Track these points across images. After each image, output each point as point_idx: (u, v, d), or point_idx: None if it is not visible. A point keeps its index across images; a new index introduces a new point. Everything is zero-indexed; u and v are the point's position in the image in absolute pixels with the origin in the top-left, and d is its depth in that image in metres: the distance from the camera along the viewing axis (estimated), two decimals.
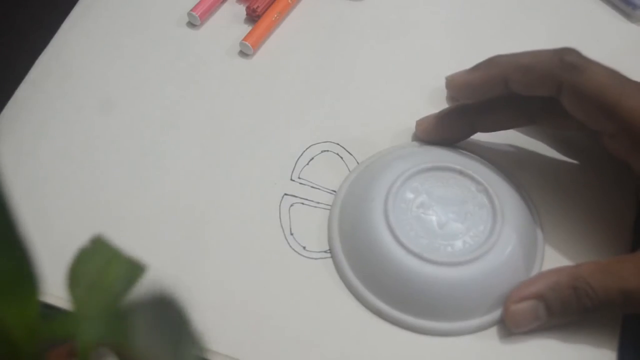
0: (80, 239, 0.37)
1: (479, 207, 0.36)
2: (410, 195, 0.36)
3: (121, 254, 0.21)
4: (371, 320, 0.35)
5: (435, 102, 0.42)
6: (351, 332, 0.35)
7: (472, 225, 0.35)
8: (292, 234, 0.38)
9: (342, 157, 0.40)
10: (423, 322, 0.34)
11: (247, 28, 0.45)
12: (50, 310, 0.33)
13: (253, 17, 0.45)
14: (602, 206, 0.38)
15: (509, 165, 0.39)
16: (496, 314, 0.35)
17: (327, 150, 0.40)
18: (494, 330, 0.35)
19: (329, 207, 0.38)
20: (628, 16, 0.45)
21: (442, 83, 0.42)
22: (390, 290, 0.35)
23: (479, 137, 0.40)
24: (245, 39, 0.44)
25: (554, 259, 0.36)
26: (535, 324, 0.33)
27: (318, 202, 0.39)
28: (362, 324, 0.35)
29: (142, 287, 0.17)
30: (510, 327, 0.34)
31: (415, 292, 0.34)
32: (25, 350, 0.18)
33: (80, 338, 0.15)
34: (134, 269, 0.21)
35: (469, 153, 0.39)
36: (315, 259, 0.37)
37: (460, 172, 0.37)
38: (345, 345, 0.35)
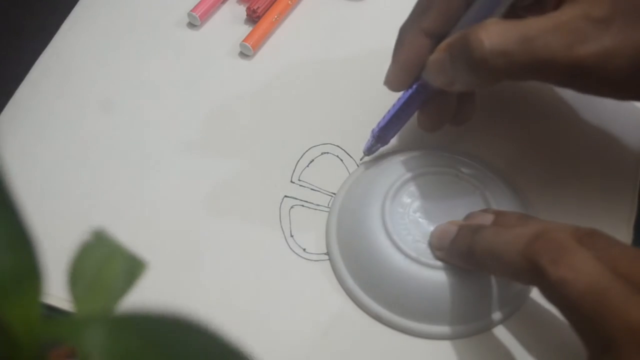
0: (81, 239, 0.37)
1: (475, 209, 0.36)
2: (407, 200, 0.36)
3: (122, 250, 0.21)
4: (369, 323, 0.35)
5: None
6: (349, 335, 0.35)
7: None
8: (292, 236, 0.38)
9: (342, 160, 0.40)
10: (421, 325, 0.34)
11: (247, 29, 0.45)
12: (52, 311, 0.33)
13: (253, 18, 0.45)
14: (601, 206, 0.38)
15: (505, 167, 0.39)
16: (494, 316, 0.35)
17: (327, 152, 0.40)
18: (492, 333, 0.35)
19: (328, 210, 0.38)
20: None
21: None
22: (387, 293, 0.35)
23: (478, 137, 0.40)
24: (245, 39, 0.44)
25: None
26: (442, 75, 0.33)
27: (318, 205, 0.39)
28: (360, 327, 0.35)
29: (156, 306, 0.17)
30: (425, 76, 0.35)
31: (412, 296, 0.34)
32: (26, 350, 0.18)
33: (81, 349, 0.15)
34: (135, 266, 0.21)
35: (465, 156, 0.39)
36: (315, 261, 0.37)
37: (457, 176, 0.37)
38: (343, 348, 0.35)
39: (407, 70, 0.35)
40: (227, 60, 0.44)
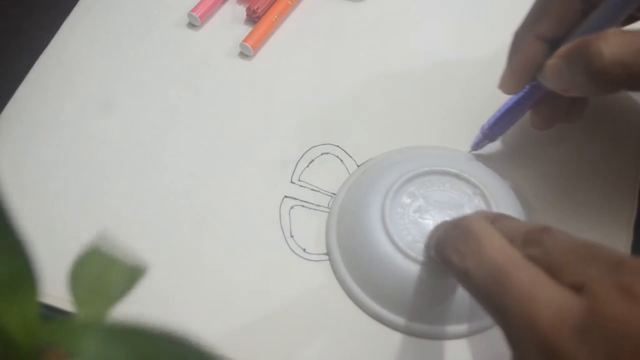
0: (80, 239, 0.37)
1: (475, 210, 0.36)
2: (407, 200, 0.36)
3: (123, 254, 0.21)
4: (369, 323, 0.35)
5: (435, 103, 0.42)
6: (348, 335, 0.35)
7: None
8: (292, 236, 0.38)
9: (341, 160, 0.40)
10: (420, 325, 0.34)
11: (247, 29, 0.45)
12: (50, 311, 0.33)
13: (253, 18, 0.45)
14: (601, 207, 0.38)
15: (505, 167, 0.39)
16: None
17: (327, 153, 0.40)
18: (492, 333, 0.35)
19: (328, 210, 0.38)
20: None
21: (443, 84, 0.42)
22: (387, 293, 0.35)
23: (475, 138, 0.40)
24: (245, 40, 0.44)
25: None
26: (558, 81, 0.33)
27: (318, 205, 0.39)
28: (360, 327, 0.35)
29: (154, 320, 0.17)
30: (540, 79, 0.35)
31: (412, 296, 0.34)
32: (24, 350, 0.18)
33: (75, 353, 0.15)
34: (135, 269, 0.21)
35: (465, 156, 0.39)
36: (315, 261, 0.37)
37: (457, 176, 0.37)
38: (343, 348, 0.34)
39: (521, 74, 0.35)
40: (227, 60, 0.44)
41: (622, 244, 0.37)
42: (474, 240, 0.26)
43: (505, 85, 0.36)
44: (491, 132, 0.38)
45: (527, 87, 0.36)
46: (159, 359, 0.16)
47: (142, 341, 0.16)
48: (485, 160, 0.39)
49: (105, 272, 0.20)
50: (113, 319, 0.19)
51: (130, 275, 0.21)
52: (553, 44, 0.34)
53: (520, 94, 0.36)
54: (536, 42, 0.34)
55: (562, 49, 0.32)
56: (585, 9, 0.33)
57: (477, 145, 0.39)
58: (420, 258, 0.34)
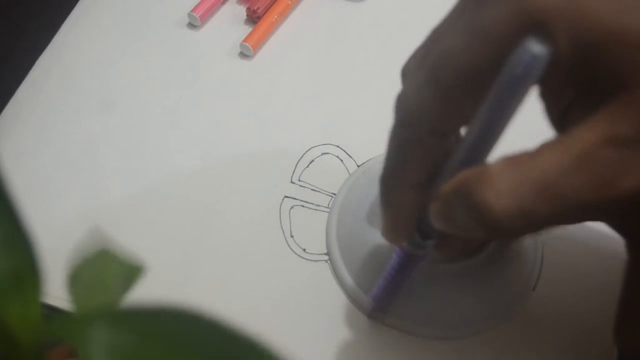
0: (80, 239, 0.37)
1: None
2: None
3: (121, 253, 0.21)
4: (369, 324, 0.35)
5: None
6: (349, 335, 0.35)
7: None
8: (292, 236, 0.38)
9: (342, 160, 0.40)
10: (421, 325, 0.34)
11: (247, 29, 0.45)
12: (51, 311, 0.33)
13: (253, 18, 0.46)
14: None
15: None
16: (496, 316, 0.35)
17: (327, 153, 0.40)
18: (492, 335, 0.35)
19: (328, 210, 0.38)
20: None
21: None
22: None
23: None
24: (245, 40, 0.44)
25: (553, 261, 0.36)
26: (450, 227, 0.26)
27: (318, 205, 0.39)
28: (360, 327, 0.35)
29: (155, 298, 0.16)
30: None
31: (413, 297, 0.34)
32: (26, 349, 0.18)
33: (82, 347, 0.15)
34: (133, 269, 0.21)
35: None
36: (316, 261, 0.37)
37: None
38: (342, 348, 0.34)
39: (404, 227, 0.30)
40: (227, 60, 0.44)
41: (623, 245, 0.37)
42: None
43: (390, 238, 0.31)
44: (382, 304, 0.34)
45: (398, 251, 0.31)
46: (174, 338, 0.16)
47: (153, 322, 0.16)
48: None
49: (105, 271, 0.20)
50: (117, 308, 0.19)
51: (129, 274, 0.21)
52: (427, 185, 0.27)
53: (396, 258, 0.31)
54: (410, 192, 0.28)
55: (442, 191, 0.25)
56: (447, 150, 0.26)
57: (374, 314, 0.35)
58: None
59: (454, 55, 0.24)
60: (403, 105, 0.26)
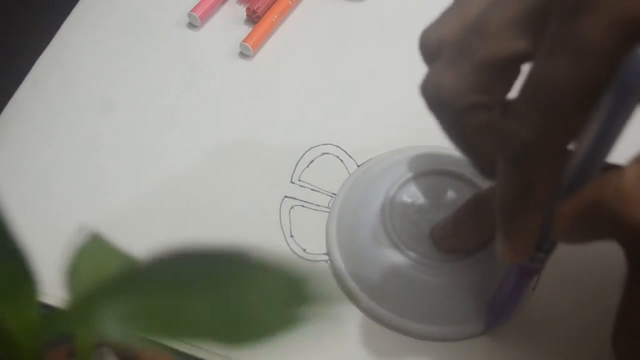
0: (76, 240, 0.37)
1: None
2: (407, 200, 0.36)
3: (118, 252, 0.21)
4: (369, 324, 0.35)
5: None
6: (348, 336, 0.35)
7: None
8: (292, 236, 0.38)
9: (342, 160, 0.40)
10: (421, 326, 0.34)
11: (247, 29, 0.45)
12: (50, 310, 0.33)
13: (253, 18, 0.45)
14: None
15: None
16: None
17: (327, 153, 0.40)
18: (493, 335, 0.35)
19: (328, 210, 0.38)
20: None
21: None
22: (387, 294, 0.35)
23: None
24: (245, 40, 0.44)
25: (552, 262, 0.36)
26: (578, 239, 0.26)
27: (318, 205, 0.39)
28: (360, 327, 0.35)
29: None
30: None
31: (412, 296, 0.34)
32: (25, 350, 0.18)
33: (80, 334, 0.15)
34: (126, 259, 0.21)
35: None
36: (316, 261, 0.37)
37: (459, 177, 0.37)
38: (342, 348, 0.34)
39: (527, 251, 0.28)
40: (227, 60, 0.44)
41: None
42: None
43: (511, 261, 0.29)
44: (502, 319, 0.34)
45: (516, 269, 0.30)
46: (171, 282, 0.15)
47: (149, 277, 0.16)
48: None
49: (102, 267, 0.20)
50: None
51: (123, 263, 0.21)
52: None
53: (513, 275, 0.31)
54: (537, 216, 0.26)
55: (569, 209, 0.24)
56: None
57: (491, 328, 0.34)
58: (422, 259, 0.34)
59: (557, 80, 0.23)
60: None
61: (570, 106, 0.23)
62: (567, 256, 0.37)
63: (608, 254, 0.37)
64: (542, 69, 0.23)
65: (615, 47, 0.21)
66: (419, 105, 0.42)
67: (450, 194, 0.36)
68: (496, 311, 0.33)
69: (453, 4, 0.27)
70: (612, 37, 0.21)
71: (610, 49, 0.21)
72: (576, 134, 0.24)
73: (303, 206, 0.39)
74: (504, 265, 0.31)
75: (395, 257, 0.34)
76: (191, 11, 0.45)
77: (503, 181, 0.26)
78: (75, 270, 0.20)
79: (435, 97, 0.26)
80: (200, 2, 0.46)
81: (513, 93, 0.26)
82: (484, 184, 0.36)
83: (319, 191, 0.39)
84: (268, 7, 0.45)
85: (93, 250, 0.21)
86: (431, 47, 0.27)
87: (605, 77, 0.22)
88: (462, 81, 0.25)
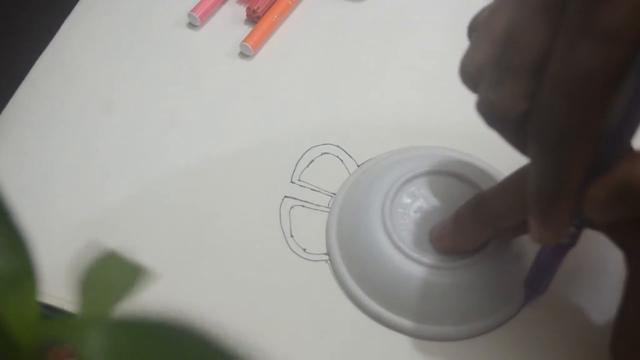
0: (80, 240, 0.37)
1: None
2: (407, 200, 0.36)
3: (126, 257, 0.21)
4: (369, 323, 0.35)
5: (436, 104, 0.42)
6: (349, 335, 0.35)
7: None
8: (292, 236, 0.38)
9: (342, 160, 0.40)
10: (421, 325, 0.34)
11: (247, 29, 0.45)
12: (50, 310, 0.33)
13: (253, 18, 0.45)
14: None
15: (508, 169, 0.39)
16: (496, 317, 0.34)
17: (327, 153, 0.40)
18: (493, 335, 0.35)
19: (328, 210, 0.38)
20: None
21: (443, 84, 0.42)
22: (387, 294, 0.35)
23: (480, 138, 0.39)
24: (245, 40, 0.44)
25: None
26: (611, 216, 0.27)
27: (318, 205, 0.39)
28: (360, 327, 0.35)
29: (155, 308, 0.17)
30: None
31: (413, 296, 0.34)
32: (25, 350, 0.18)
33: (80, 349, 0.15)
34: (140, 272, 0.21)
35: (467, 156, 0.39)
36: (316, 261, 0.37)
37: (459, 177, 0.37)
38: (342, 348, 0.34)
39: (561, 232, 0.29)
40: (227, 60, 0.44)
41: None
42: None
43: (546, 242, 0.29)
44: (538, 293, 0.34)
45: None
46: (171, 350, 0.16)
47: (153, 331, 0.16)
48: (487, 160, 0.39)
49: (112, 274, 0.20)
50: (117, 313, 0.19)
51: (136, 277, 0.21)
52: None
53: (547, 252, 0.32)
54: (573, 198, 0.27)
55: (601, 189, 0.26)
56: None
57: (529, 301, 0.35)
58: (423, 259, 0.34)
59: (583, 68, 0.23)
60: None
61: (597, 91, 0.23)
62: (566, 256, 0.37)
63: (608, 255, 0.37)
64: (566, 59, 0.24)
65: (637, 30, 0.22)
66: (419, 105, 0.42)
67: (451, 194, 0.36)
68: (533, 286, 0.34)
69: (480, 29, 0.29)
70: (633, 21, 0.22)
71: (632, 33, 0.22)
72: (605, 118, 0.24)
73: (303, 206, 0.39)
74: (536, 246, 0.32)
75: (395, 257, 0.34)
76: (191, 11, 0.45)
77: (539, 169, 0.27)
78: (87, 280, 0.20)
79: (491, 115, 0.27)
80: (200, 2, 0.46)
81: None
82: (485, 184, 0.36)
83: (319, 191, 0.39)
84: (268, 7, 0.45)
85: (105, 260, 0.21)
86: (471, 75, 0.29)
87: (629, 61, 0.22)
88: (509, 94, 0.26)
